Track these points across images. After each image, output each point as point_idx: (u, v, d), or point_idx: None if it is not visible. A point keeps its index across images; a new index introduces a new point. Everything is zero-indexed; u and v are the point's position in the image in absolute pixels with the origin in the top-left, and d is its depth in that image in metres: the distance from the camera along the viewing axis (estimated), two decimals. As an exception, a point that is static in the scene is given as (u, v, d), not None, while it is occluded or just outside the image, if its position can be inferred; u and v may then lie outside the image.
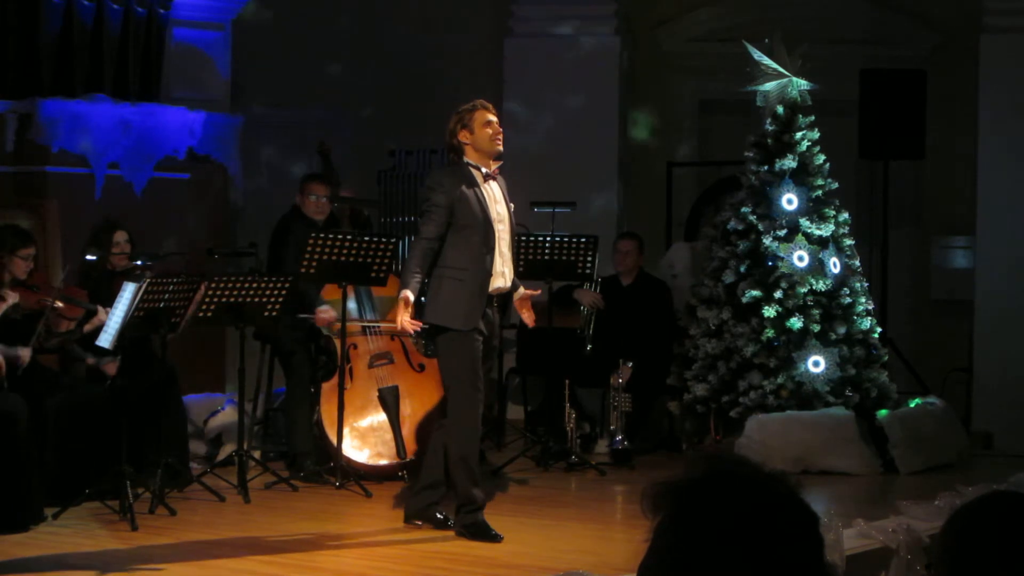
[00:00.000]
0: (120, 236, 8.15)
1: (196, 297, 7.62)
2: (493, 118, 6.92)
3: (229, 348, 9.69)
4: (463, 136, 6.87)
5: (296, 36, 11.91)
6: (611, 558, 6.26)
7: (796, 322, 8.97)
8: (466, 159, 6.88)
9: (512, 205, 7.04)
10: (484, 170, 6.89)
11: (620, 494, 8.35)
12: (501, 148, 6.95)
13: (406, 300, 6.68)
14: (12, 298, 7.23)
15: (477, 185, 6.84)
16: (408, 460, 8.42)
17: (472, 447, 6.87)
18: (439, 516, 6.96)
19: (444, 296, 6.77)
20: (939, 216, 11.53)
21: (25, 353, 7.32)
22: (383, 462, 8.46)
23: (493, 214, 6.85)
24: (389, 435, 8.47)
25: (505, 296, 7.01)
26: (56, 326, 7.54)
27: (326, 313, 8.48)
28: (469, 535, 6.77)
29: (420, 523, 6.98)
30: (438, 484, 6.97)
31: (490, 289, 6.85)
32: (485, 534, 6.76)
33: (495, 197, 6.90)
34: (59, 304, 7.42)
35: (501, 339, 7.45)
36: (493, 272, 6.84)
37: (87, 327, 7.67)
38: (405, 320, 6.69)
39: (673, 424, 9.61)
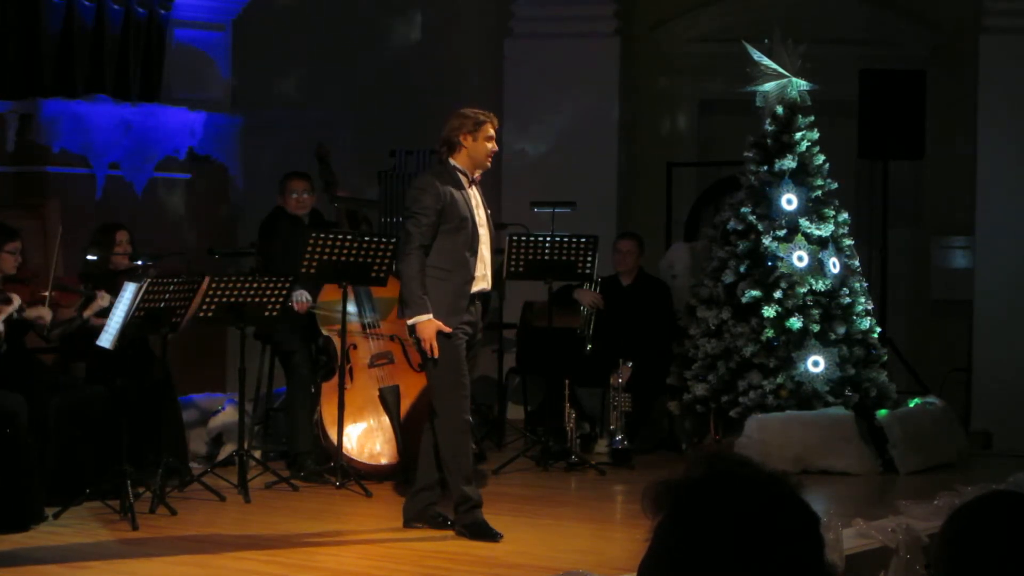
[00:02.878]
0: (122, 236, 8.18)
1: (201, 289, 7.62)
2: (494, 134, 6.99)
3: (229, 348, 9.69)
4: (464, 139, 6.90)
5: (296, 36, 11.91)
6: (611, 558, 6.27)
7: (796, 322, 8.97)
8: (454, 160, 6.91)
9: (490, 211, 7.11)
10: (469, 175, 6.94)
11: (620, 494, 8.35)
12: (489, 166, 7.05)
13: (435, 327, 6.69)
14: (16, 301, 7.23)
15: (463, 188, 6.91)
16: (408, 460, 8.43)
17: (461, 445, 6.85)
18: (438, 517, 6.96)
19: (428, 295, 6.78)
20: (939, 216, 11.54)
21: (46, 312, 7.35)
22: (383, 462, 8.47)
23: (476, 218, 6.91)
24: (389, 435, 8.48)
25: (485, 296, 7.05)
26: (56, 316, 7.55)
27: (301, 297, 8.46)
28: (469, 535, 6.78)
29: (420, 525, 6.98)
30: (433, 486, 6.98)
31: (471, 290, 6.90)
32: (485, 533, 6.77)
33: (478, 201, 6.98)
34: (53, 293, 7.43)
35: (501, 337, 7.47)
36: (475, 275, 6.89)
37: (87, 312, 7.67)
38: (436, 345, 6.72)
39: (673, 424, 9.61)
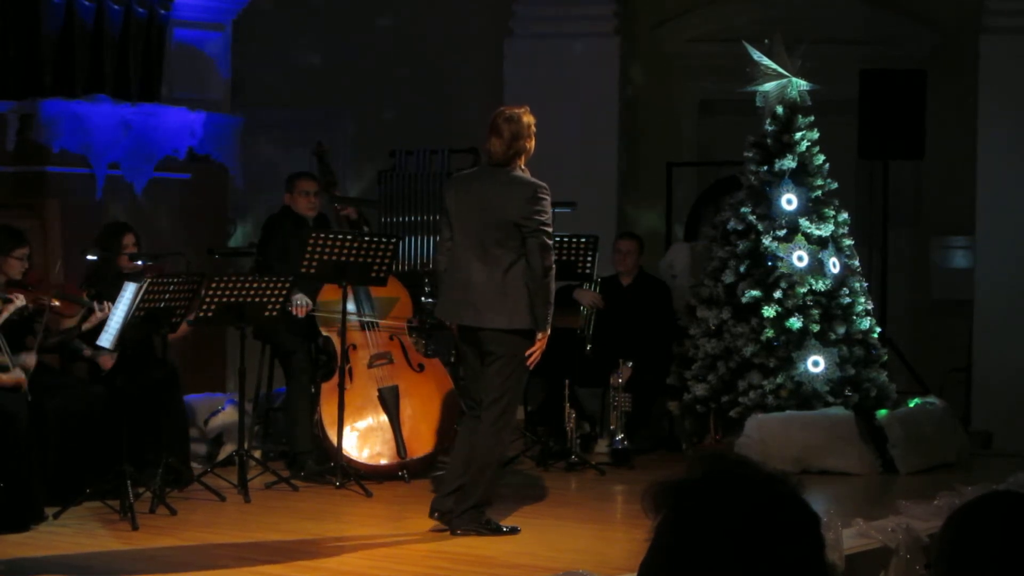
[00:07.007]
0: (129, 239, 8.16)
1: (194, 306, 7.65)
2: None
3: (229, 348, 9.69)
4: (530, 145, 6.98)
5: (296, 36, 11.92)
6: (611, 558, 6.27)
7: (795, 322, 8.97)
8: (522, 165, 6.99)
9: None
10: None
11: (620, 494, 8.35)
12: None
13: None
14: (19, 300, 7.21)
15: None
16: (408, 460, 8.43)
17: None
18: (490, 523, 6.94)
19: (526, 300, 6.77)
20: (939, 216, 11.54)
21: (30, 359, 7.32)
22: (383, 462, 8.47)
23: None
24: (389, 435, 8.48)
25: None
26: (55, 324, 7.55)
27: (300, 301, 8.44)
28: (490, 532, 6.82)
29: (470, 531, 6.88)
30: (460, 488, 6.95)
31: None
32: (502, 528, 6.86)
33: None
34: (56, 303, 7.42)
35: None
36: None
37: (86, 325, 7.67)
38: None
39: (673, 424, 9.62)
